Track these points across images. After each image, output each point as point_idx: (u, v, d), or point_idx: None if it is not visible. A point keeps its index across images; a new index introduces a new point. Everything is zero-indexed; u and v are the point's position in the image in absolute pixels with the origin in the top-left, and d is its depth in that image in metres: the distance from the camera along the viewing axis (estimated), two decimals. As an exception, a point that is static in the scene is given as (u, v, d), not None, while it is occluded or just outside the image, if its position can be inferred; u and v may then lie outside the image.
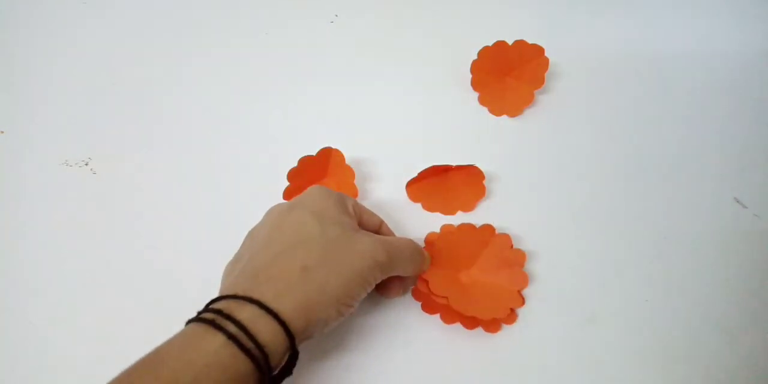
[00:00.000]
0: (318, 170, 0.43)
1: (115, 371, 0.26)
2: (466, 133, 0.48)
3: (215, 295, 0.30)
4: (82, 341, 0.37)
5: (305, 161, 0.41)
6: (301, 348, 0.30)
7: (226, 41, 0.55)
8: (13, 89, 0.52)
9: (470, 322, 0.37)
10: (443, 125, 0.49)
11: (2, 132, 0.49)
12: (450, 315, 0.37)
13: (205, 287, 0.34)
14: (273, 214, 0.34)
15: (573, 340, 0.38)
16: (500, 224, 0.41)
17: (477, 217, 0.43)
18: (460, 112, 0.49)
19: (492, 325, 0.37)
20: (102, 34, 0.56)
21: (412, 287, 0.39)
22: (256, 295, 0.28)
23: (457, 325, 0.37)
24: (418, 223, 0.42)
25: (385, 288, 0.37)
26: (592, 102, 0.50)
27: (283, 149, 0.44)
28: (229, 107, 0.50)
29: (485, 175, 0.42)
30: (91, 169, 0.46)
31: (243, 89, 0.51)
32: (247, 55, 0.54)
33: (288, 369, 0.29)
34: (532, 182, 0.45)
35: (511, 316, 0.38)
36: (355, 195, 0.43)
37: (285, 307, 0.28)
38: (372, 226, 0.38)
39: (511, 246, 0.40)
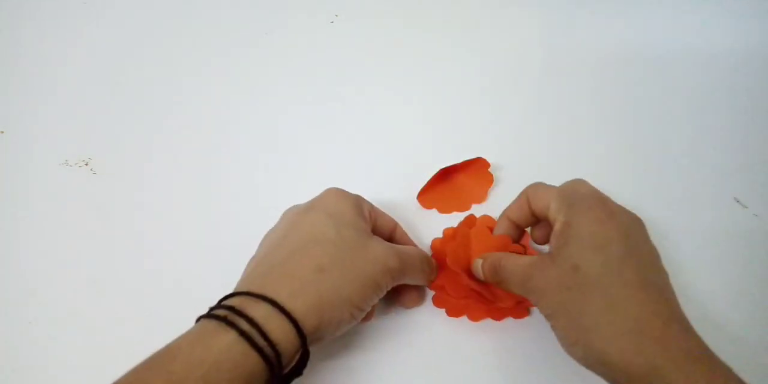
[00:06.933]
0: None
1: (115, 371, 0.26)
2: (468, 130, 0.48)
3: (215, 293, 0.30)
4: (82, 341, 0.37)
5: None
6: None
7: (226, 42, 0.55)
8: (13, 89, 0.52)
9: (498, 314, 0.37)
10: (445, 124, 0.49)
11: (2, 132, 0.49)
12: (477, 312, 0.37)
13: (205, 286, 0.34)
14: (289, 214, 0.35)
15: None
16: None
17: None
18: (461, 110, 0.49)
19: (519, 310, 0.37)
20: (102, 34, 0.56)
21: (433, 296, 0.38)
22: (269, 293, 0.28)
23: (486, 321, 0.37)
24: (420, 222, 0.42)
25: (403, 297, 0.37)
26: (593, 100, 0.50)
27: (282, 148, 0.44)
28: (229, 107, 0.50)
29: (490, 164, 0.42)
30: (91, 169, 0.46)
31: (243, 89, 0.51)
32: (247, 55, 0.54)
33: (298, 369, 0.29)
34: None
35: None
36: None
37: (298, 306, 0.28)
38: (387, 229, 0.37)
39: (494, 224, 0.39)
